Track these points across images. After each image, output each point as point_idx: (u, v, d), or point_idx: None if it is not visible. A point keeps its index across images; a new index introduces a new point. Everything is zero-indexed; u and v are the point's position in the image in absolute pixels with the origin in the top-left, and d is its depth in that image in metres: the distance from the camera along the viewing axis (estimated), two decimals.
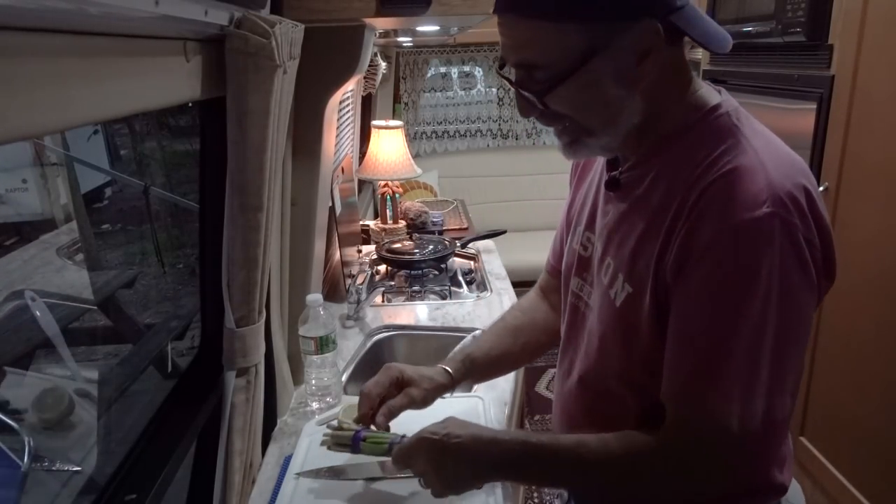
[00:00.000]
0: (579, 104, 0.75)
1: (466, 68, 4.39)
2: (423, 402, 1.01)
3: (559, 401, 0.99)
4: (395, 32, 2.99)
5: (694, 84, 0.80)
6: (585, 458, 0.79)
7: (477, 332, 1.69)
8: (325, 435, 1.05)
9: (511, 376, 1.49)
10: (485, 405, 1.35)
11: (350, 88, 2.10)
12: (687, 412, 0.73)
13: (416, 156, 3.79)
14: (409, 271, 2.25)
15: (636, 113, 0.76)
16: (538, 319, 1.12)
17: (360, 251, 2.49)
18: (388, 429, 0.99)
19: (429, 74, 4.38)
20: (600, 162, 0.93)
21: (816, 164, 1.68)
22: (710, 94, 0.81)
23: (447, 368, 1.04)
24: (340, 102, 1.87)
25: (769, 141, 0.76)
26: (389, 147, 2.62)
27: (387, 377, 1.01)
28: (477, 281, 2.29)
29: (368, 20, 1.38)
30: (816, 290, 0.72)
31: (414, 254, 2.26)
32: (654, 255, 0.75)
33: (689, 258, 0.71)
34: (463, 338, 1.66)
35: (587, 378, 0.90)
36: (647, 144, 0.80)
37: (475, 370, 1.07)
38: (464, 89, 4.43)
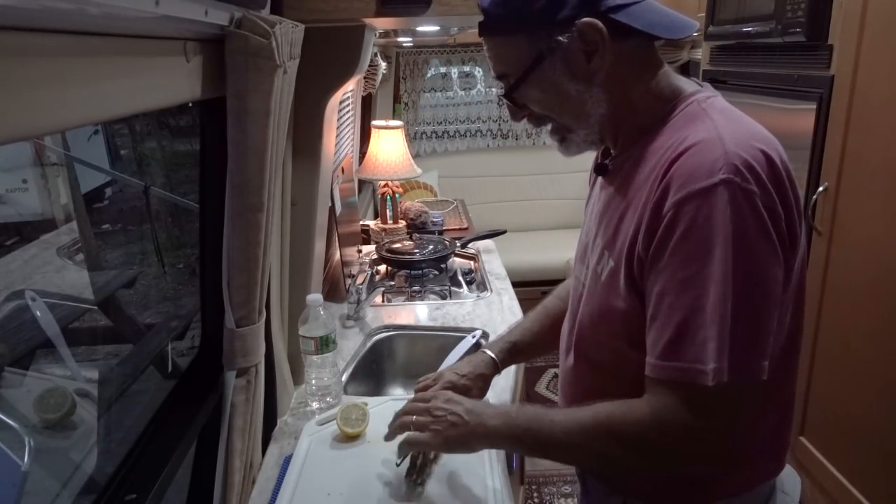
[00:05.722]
0: (546, 102, 0.87)
1: (466, 68, 4.38)
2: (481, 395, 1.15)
3: (562, 379, 1.03)
4: (395, 32, 2.99)
5: (666, 77, 0.85)
6: (585, 423, 0.82)
7: (477, 331, 1.70)
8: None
9: (511, 376, 1.50)
10: None
11: (350, 88, 2.10)
12: (665, 375, 0.75)
13: (416, 156, 3.79)
14: (409, 271, 2.25)
15: (600, 104, 0.84)
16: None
17: (360, 251, 2.49)
18: None
19: (429, 74, 4.38)
20: None
21: (816, 165, 1.68)
22: (687, 86, 0.85)
23: (492, 355, 1.17)
24: (340, 102, 1.87)
25: (734, 118, 0.79)
26: (389, 147, 2.62)
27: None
28: (477, 281, 2.30)
29: (368, 20, 1.38)
30: (781, 259, 0.73)
31: (414, 254, 2.26)
32: (630, 232, 0.80)
33: (656, 231, 0.75)
34: (463, 338, 1.66)
35: (581, 353, 0.95)
36: (627, 135, 0.87)
37: (518, 353, 1.19)
38: (464, 89, 4.43)
